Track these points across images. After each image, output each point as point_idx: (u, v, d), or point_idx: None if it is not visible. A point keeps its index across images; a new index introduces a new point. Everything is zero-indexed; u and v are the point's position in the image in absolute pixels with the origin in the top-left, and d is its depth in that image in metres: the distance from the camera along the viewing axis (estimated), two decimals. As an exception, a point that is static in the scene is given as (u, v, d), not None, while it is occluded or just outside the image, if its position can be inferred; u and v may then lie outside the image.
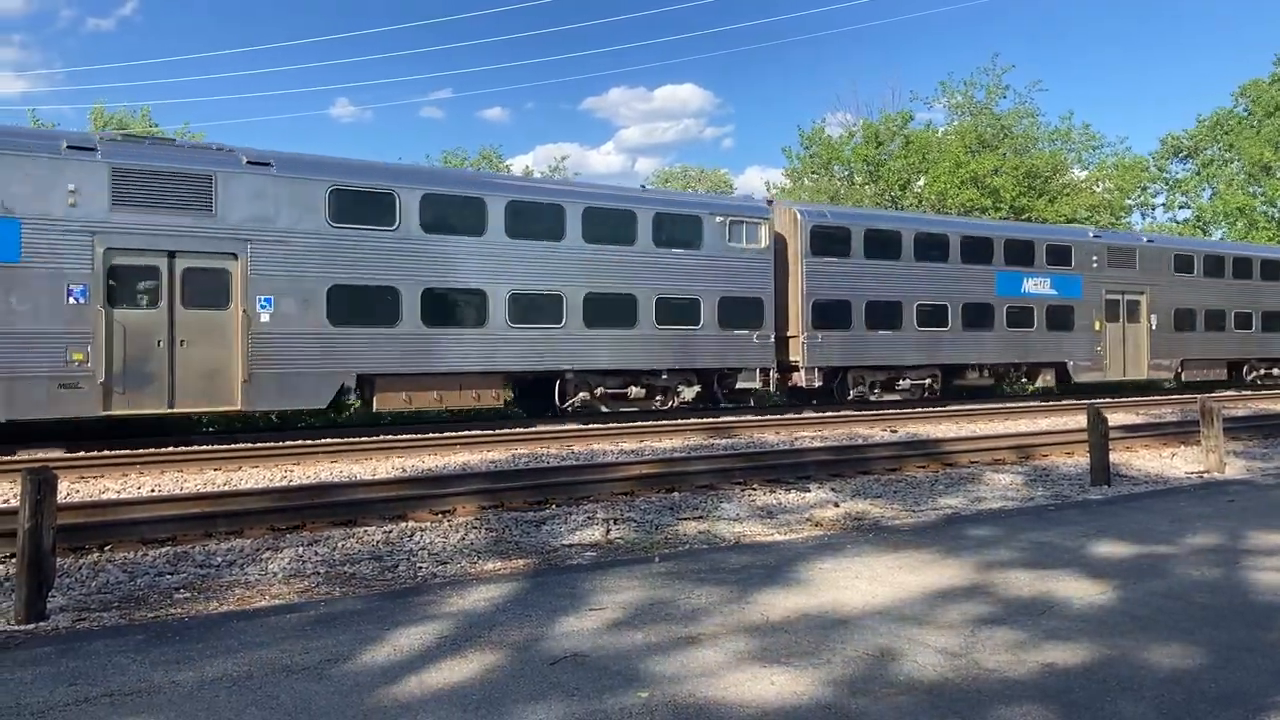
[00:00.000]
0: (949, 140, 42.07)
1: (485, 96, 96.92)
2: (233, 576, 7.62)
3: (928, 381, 26.03)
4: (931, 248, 26.06)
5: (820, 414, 22.39)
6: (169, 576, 7.60)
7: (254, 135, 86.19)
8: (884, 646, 5.24)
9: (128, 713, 4.37)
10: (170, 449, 15.43)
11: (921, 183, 41.82)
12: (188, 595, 7.04)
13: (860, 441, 16.80)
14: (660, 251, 21.80)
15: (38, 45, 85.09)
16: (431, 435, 17.59)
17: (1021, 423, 21.16)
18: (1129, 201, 44.46)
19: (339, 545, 8.60)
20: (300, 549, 8.44)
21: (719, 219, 22.78)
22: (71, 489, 11.78)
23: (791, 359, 23.90)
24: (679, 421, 20.09)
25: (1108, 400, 26.04)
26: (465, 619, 5.83)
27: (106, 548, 8.41)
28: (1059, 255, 28.15)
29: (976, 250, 26.73)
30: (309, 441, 16.48)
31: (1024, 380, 28.66)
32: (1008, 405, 25.04)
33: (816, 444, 16.56)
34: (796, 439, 17.80)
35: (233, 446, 15.62)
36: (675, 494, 11.22)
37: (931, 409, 23.38)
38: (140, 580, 7.48)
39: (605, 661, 5.00)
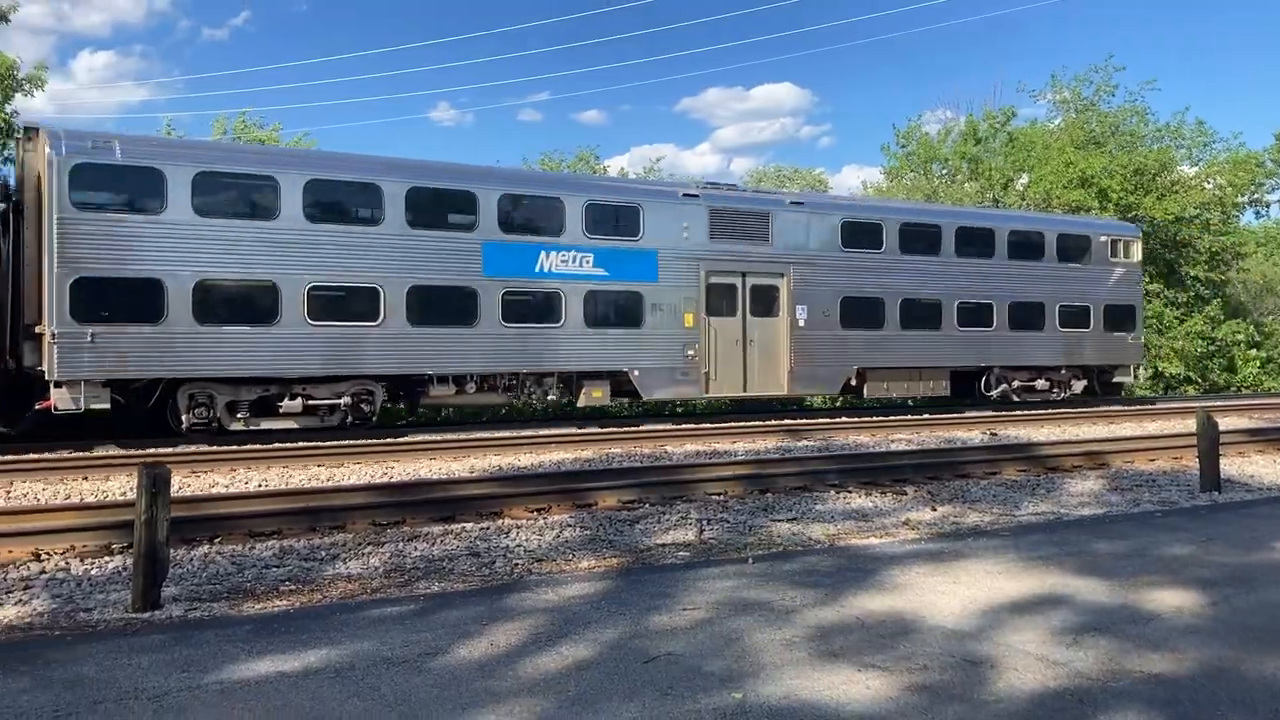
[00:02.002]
0: (1057, 137, 40.98)
1: (582, 99, 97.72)
2: (335, 570, 7.82)
3: (345, 403, 18.09)
4: (340, 201, 18.36)
5: (903, 418, 22.07)
6: (274, 569, 7.84)
7: (357, 139, 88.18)
8: (981, 653, 5.16)
9: (238, 700, 4.53)
10: (276, 445, 15.89)
11: (1024, 181, 40.85)
12: (292, 588, 7.25)
13: (958, 444, 16.53)
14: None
15: (158, 55, 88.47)
16: (526, 434, 17.80)
17: (1126, 426, 20.57)
18: (1241, 199, 42.70)
19: (438, 541, 8.78)
20: (400, 544, 8.63)
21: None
22: (183, 483, 12.22)
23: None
24: (769, 423, 20.02)
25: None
26: (560, 615, 5.90)
27: (216, 540, 8.70)
28: (618, 220, 20.64)
29: (437, 207, 19.07)
30: (408, 439, 16.84)
31: (565, 400, 20.68)
32: (1110, 410, 24.32)
33: (912, 447, 16.34)
34: (891, 441, 17.58)
35: (336, 444, 16.03)
36: (768, 495, 11.18)
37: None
38: (248, 572, 7.73)
39: (699, 661, 5.02)
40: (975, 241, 24.73)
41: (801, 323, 22.13)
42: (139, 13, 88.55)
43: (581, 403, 20.32)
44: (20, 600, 6.87)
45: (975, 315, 24.45)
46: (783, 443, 17.19)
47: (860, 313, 23.03)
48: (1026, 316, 25.18)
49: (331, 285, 17.82)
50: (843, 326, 22.64)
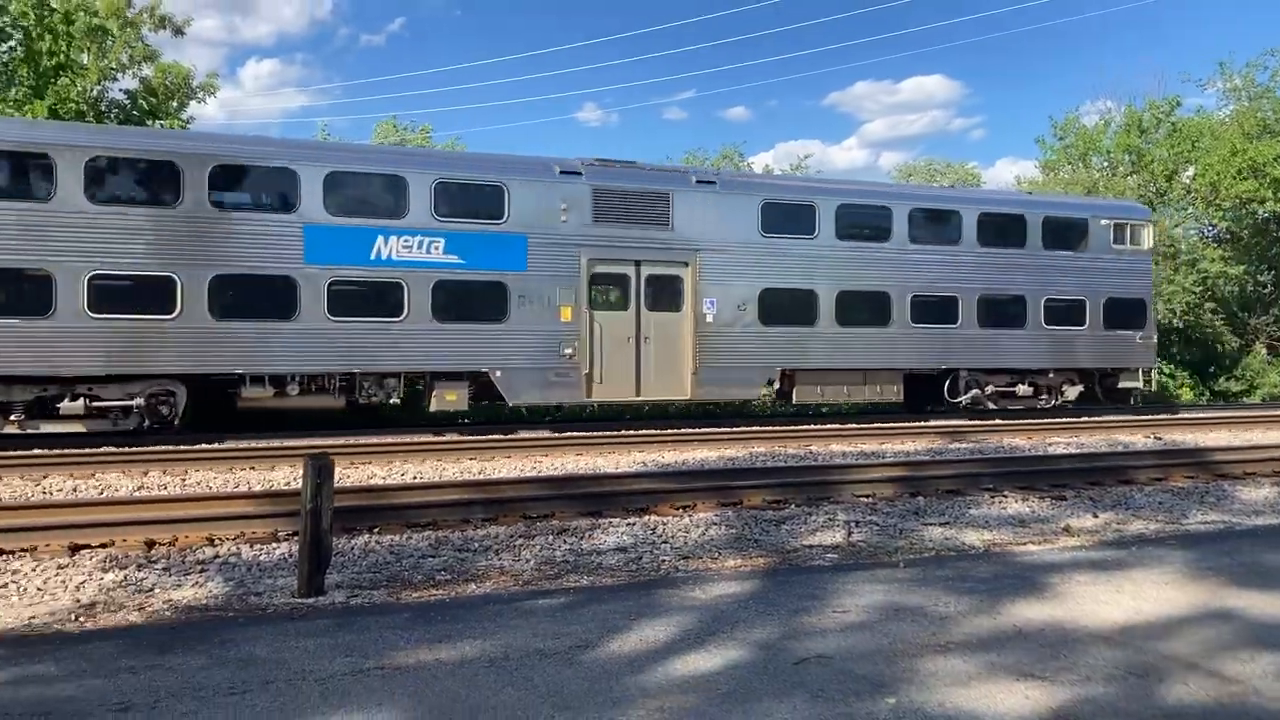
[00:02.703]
0: (1226, 126, 38.85)
1: (728, 95, 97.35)
2: (488, 561, 8.01)
3: (138, 405, 16.09)
4: (130, 179, 16.56)
5: (1075, 419, 21.27)
6: (430, 559, 8.07)
7: (506, 141, 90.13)
8: (1147, 665, 4.94)
9: (398, 686, 4.68)
10: (430, 438, 16.37)
11: (1190, 173, 38.87)
12: (448, 577, 7.45)
13: (1120, 449, 15.86)
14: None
15: (318, 63, 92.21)
16: (670, 431, 17.88)
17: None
18: None
19: (586, 535, 8.89)
20: (550, 537, 8.77)
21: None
22: (343, 474, 12.70)
23: None
24: (920, 424, 19.58)
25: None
26: (708, 613, 5.91)
27: (374, 530, 9.01)
28: (477, 200, 18.27)
29: (248, 187, 17.27)
30: (557, 434, 17.12)
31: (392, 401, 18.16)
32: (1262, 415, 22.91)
33: (1071, 450, 15.76)
34: (1049, 444, 16.98)
35: (487, 437, 16.42)
36: (918, 499, 10.94)
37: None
38: (405, 561, 7.98)
39: (850, 664, 4.95)
40: (935, 225, 21.86)
41: (709, 318, 19.47)
42: (301, 22, 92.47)
43: (434, 407, 17.87)
44: (196, 583, 7.26)
45: (935, 310, 21.45)
46: (933, 445, 16.81)
47: (785, 307, 20.16)
48: (1002, 312, 22.08)
49: (117, 274, 15.85)
50: (762, 323, 19.89)
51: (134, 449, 14.57)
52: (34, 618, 6.30)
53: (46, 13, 24.58)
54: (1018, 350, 22.20)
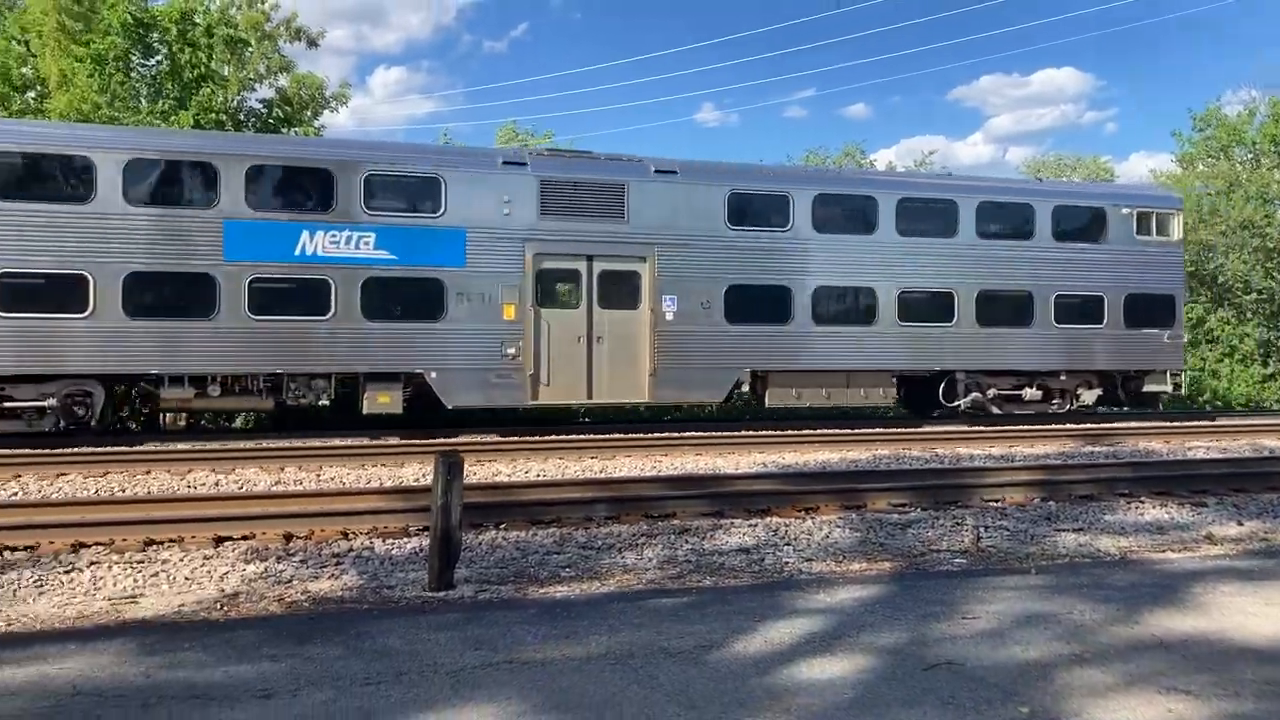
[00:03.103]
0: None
1: (849, 93, 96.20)
2: (611, 560, 8.08)
3: (52, 405, 15.68)
4: (44, 174, 16.21)
5: (1214, 423, 20.39)
6: (555, 556, 8.18)
7: (627, 143, 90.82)
8: (1304, 684, 4.70)
9: (526, 680, 4.76)
10: (553, 436, 16.59)
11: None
12: (572, 574, 7.55)
13: (1266, 454, 15.15)
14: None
15: (443, 69, 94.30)
16: (790, 432, 17.74)
17: None
18: None
19: (708, 535, 8.90)
20: (672, 537, 8.81)
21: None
22: (469, 471, 12.95)
23: None
24: (1052, 426, 19.00)
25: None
26: (834, 617, 5.85)
27: (501, 526, 9.18)
28: (412, 193, 17.51)
29: (166, 181, 16.44)
30: (676, 434, 17.17)
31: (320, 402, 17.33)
32: None
33: (1213, 455, 15.10)
34: (1188, 448, 16.31)
35: (608, 436, 16.57)
36: (1050, 503, 10.63)
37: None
38: (531, 558, 8.11)
39: (982, 672, 4.84)
40: (928, 216, 20.13)
41: (669, 316, 18.17)
42: (426, 30, 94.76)
43: (366, 409, 16.89)
44: (332, 575, 7.51)
45: (927, 308, 19.83)
46: (1065, 448, 16.31)
47: (755, 305, 18.73)
48: (1005, 309, 20.29)
49: (26, 271, 15.46)
50: (729, 321, 18.51)
51: (272, 445, 15.13)
52: (183, 605, 6.61)
53: (189, 26, 25.75)
54: (1023, 351, 20.46)
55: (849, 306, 19.58)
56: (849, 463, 14.30)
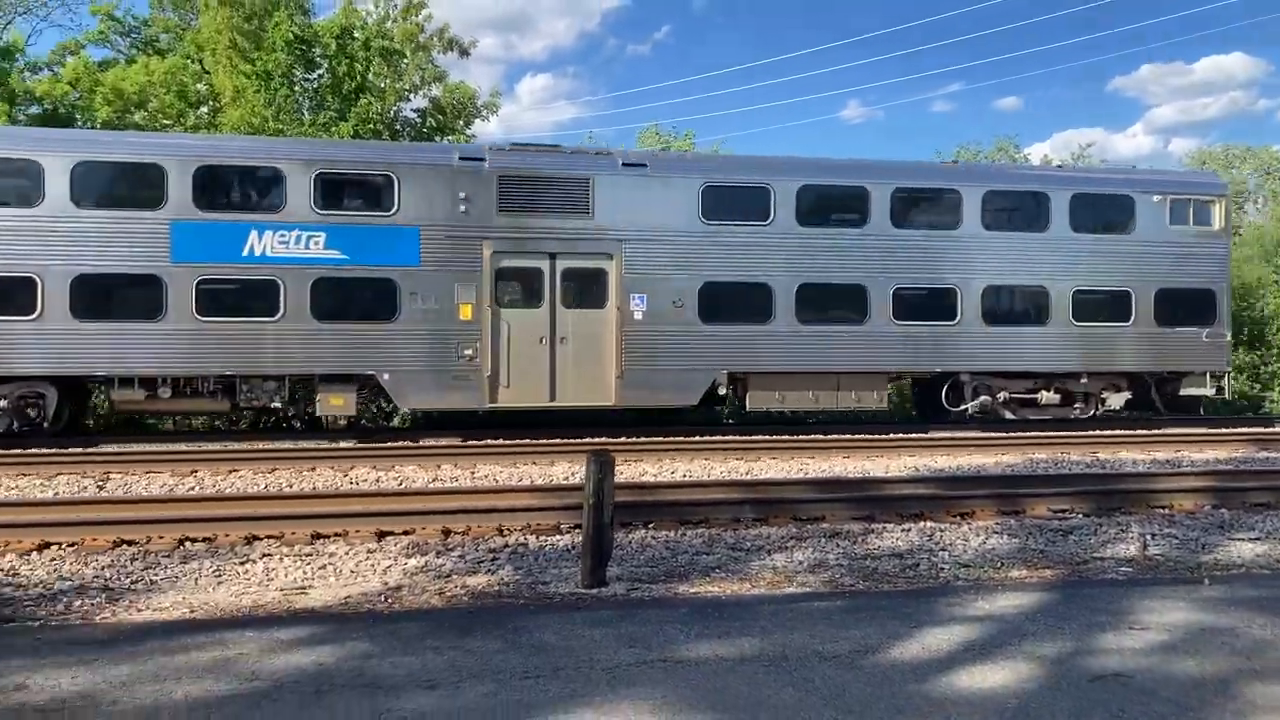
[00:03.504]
0: None
1: (998, 86, 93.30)
2: (761, 561, 8.05)
3: (3, 406, 15.98)
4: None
5: None
6: (705, 556, 8.21)
7: (771, 142, 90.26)
8: None
9: (680, 679, 4.80)
10: (698, 438, 16.64)
11: None
12: (722, 575, 7.56)
13: None
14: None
15: (588, 74, 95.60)
16: (943, 436, 17.33)
17: None
18: None
19: (859, 539, 8.79)
20: (821, 540, 8.73)
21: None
22: (617, 471, 13.10)
23: None
24: (1221, 430, 18.06)
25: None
26: (993, 625, 5.71)
27: (650, 525, 9.26)
28: (362, 191, 17.16)
29: (112, 184, 16.46)
30: (824, 436, 17.00)
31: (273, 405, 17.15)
32: None
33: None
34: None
35: (753, 438, 16.52)
36: (1223, 511, 10.11)
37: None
38: (680, 558, 8.16)
39: (1153, 685, 4.65)
40: (928, 207, 18.85)
41: (638, 315, 17.35)
42: (572, 36, 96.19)
43: (320, 411, 16.79)
44: (489, 570, 7.72)
45: (928, 305, 18.47)
46: (1237, 453, 15.50)
47: (732, 303, 17.72)
48: (1015, 306, 18.98)
49: None
50: (703, 320, 17.56)
51: (428, 444, 15.63)
52: (349, 597, 6.88)
53: (348, 40, 26.81)
54: (1036, 351, 18.89)
55: (837, 305, 18.30)
56: (1005, 467, 13.91)
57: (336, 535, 8.75)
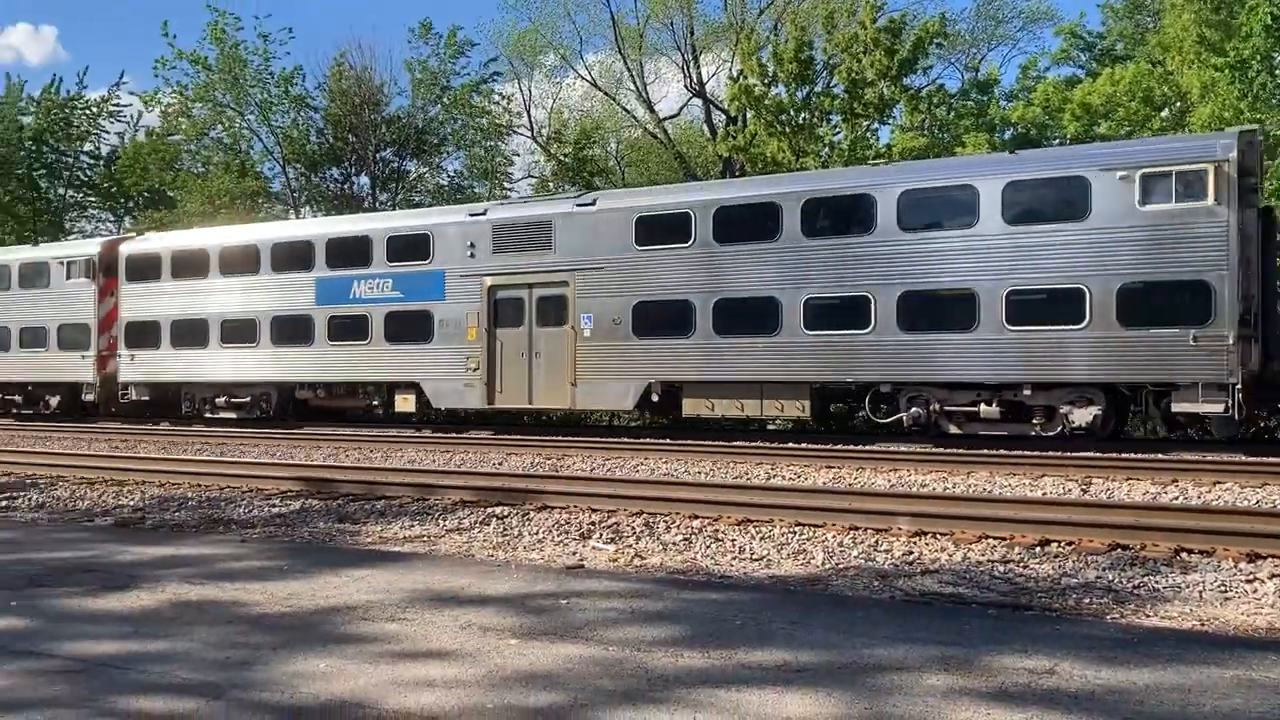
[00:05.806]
0: None
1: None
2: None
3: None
4: (237, 259, 24.64)
5: None
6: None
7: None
8: None
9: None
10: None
11: None
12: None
13: None
14: None
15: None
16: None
17: None
18: None
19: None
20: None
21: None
22: None
23: None
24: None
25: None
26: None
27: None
28: (412, 248, 22.31)
29: (291, 257, 23.96)
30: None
31: (375, 405, 23.50)
32: None
33: None
34: None
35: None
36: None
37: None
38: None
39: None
40: (839, 215, 18.31)
41: (586, 333, 20.22)
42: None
43: (399, 408, 22.39)
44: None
45: (839, 314, 17.96)
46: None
47: (660, 319, 19.37)
48: (935, 311, 17.31)
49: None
50: (636, 335, 19.67)
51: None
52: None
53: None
54: (960, 359, 16.93)
55: (750, 317, 18.75)
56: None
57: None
